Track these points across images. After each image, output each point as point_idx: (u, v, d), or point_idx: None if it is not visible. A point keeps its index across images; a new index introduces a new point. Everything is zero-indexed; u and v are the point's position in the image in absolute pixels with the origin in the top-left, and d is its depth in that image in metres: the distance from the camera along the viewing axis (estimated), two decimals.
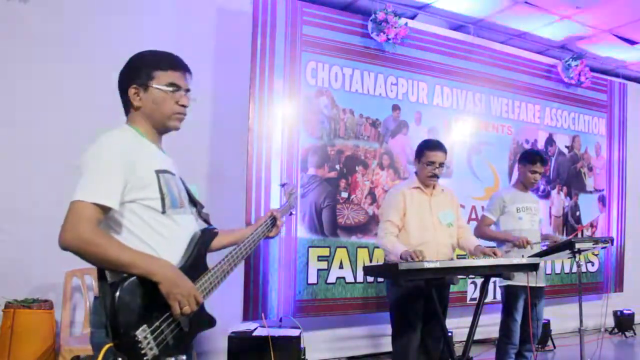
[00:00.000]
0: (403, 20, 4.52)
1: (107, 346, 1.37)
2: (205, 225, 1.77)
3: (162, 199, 1.56)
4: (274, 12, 4.09)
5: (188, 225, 1.67)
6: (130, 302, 1.40)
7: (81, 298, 3.49)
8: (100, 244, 1.41)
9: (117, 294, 1.38)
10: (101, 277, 1.51)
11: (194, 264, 1.61)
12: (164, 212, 1.57)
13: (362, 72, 4.49)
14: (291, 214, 2.24)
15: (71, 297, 3.42)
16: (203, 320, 1.63)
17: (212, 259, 1.71)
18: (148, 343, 1.40)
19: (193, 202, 1.77)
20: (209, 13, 4.17)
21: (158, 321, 1.45)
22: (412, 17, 4.92)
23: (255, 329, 3.61)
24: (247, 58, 3.97)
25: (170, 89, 1.62)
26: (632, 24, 5.09)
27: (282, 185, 2.29)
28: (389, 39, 4.47)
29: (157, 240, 1.55)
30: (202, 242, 1.67)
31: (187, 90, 1.68)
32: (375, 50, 4.55)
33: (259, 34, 4.01)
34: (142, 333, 1.39)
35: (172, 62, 1.66)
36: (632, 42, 5.52)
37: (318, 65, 4.29)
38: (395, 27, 4.43)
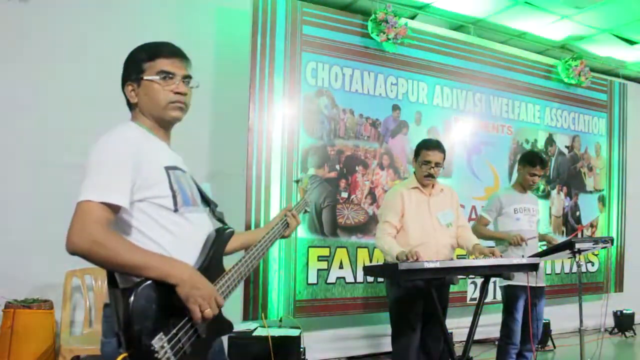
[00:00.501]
0: (403, 20, 4.52)
1: (121, 356, 1.28)
2: (219, 225, 1.66)
3: (174, 197, 1.48)
4: (273, 12, 4.08)
5: (203, 224, 1.58)
6: (145, 309, 1.30)
7: (81, 298, 3.48)
8: (112, 246, 1.31)
9: (131, 300, 1.28)
10: (111, 283, 1.41)
11: (211, 266, 1.51)
12: (176, 210, 1.48)
13: (362, 72, 4.49)
14: (306, 211, 2.14)
15: (71, 297, 3.41)
16: (221, 325, 1.53)
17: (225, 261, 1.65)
18: (165, 352, 1.30)
19: (206, 201, 1.69)
20: (209, 13, 4.17)
21: (175, 328, 1.35)
22: (412, 17, 4.92)
23: (255, 329, 3.60)
24: (247, 58, 3.97)
25: (158, 77, 1.52)
26: (632, 24, 5.09)
27: (297, 182, 2.20)
28: (389, 39, 4.47)
29: (169, 240, 1.46)
30: (219, 243, 1.58)
31: (187, 77, 1.57)
32: (375, 50, 4.55)
33: (258, 33, 4.01)
34: (159, 342, 1.30)
35: (161, 50, 1.55)
36: (632, 42, 5.52)
37: (318, 65, 4.28)
38: (395, 27, 4.42)
